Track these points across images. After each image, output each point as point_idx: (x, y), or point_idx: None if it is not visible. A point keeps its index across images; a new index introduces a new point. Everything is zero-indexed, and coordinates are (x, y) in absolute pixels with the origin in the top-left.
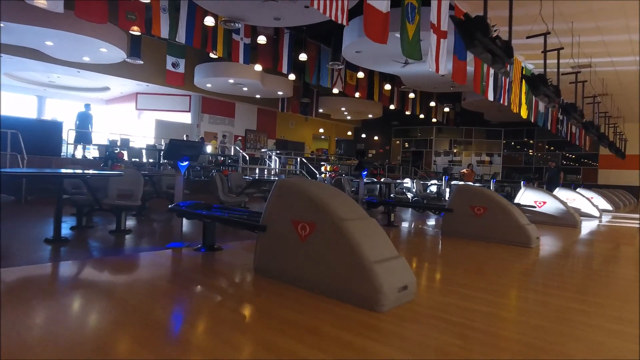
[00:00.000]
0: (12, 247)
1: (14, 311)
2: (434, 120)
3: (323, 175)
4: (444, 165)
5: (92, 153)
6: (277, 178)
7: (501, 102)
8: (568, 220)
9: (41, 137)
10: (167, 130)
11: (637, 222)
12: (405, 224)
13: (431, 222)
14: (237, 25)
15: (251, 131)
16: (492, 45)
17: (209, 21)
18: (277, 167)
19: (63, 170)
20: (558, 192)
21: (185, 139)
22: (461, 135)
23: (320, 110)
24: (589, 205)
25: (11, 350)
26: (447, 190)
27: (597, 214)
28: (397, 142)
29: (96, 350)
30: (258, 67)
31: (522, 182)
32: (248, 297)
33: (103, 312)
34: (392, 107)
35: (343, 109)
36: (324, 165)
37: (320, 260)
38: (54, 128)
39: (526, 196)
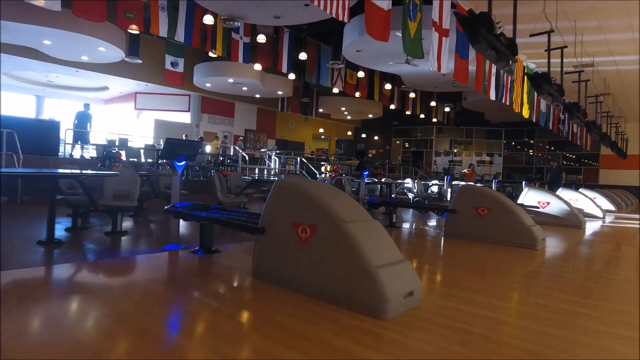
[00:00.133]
0: (3, 249)
1: None
2: (434, 120)
3: (323, 176)
4: (444, 165)
5: (91, 153)
6: (276, 178)
7: (503, 101)
8: (572, 221)
9: (39, 137)
10: (166, 130)
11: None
12: (407, 225)
13: (433, 223)
14: (236, 23)
15: (251, 131)
16: (497, 43)
17: (208, 20)
18: (277, 167)
19: (58, 170)
20: (561, 192)
21: (184, 138)
22: (461, 135)
23: (320, 110)
24: (592, 205)
25: None
26: (449, 190)
27: (600, 214)
28: (397, 142)
29: None
30: (258, 67)
31: (524, 182)
32: (246, 302)
33: (92, 320)
34: (392, 106)
35: (343, 108)
36: (324, 165)
37: (321, 264)
38: (52, 128)
39: (529, 196)
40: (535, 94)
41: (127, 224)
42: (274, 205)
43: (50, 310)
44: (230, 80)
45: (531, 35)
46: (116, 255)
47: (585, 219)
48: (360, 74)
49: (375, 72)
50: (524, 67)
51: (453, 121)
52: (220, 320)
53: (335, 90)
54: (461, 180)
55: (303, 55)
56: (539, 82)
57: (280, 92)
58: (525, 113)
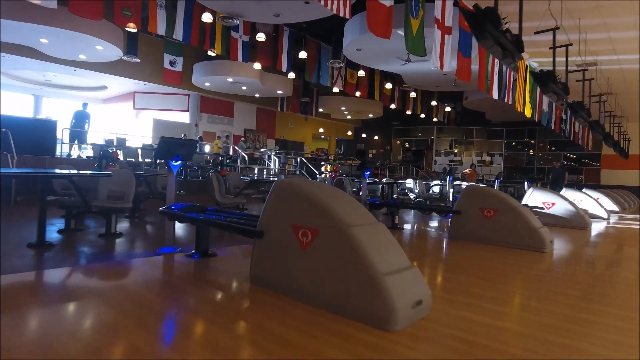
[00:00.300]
0: None
1: None
2: (434, 119)
3: (323, 176)
4: (444, 165)
5: (89, 153)
6: (276, 178)
7: (505, 100)
8: (578, 222)
9: (35, 137)
10: (165, 130)
11: None
12: (410, 227)
13: (437, 224)
14: (235, 21)
15: (250, 131)
16: (503, 39)
17: (207, 17)
18: (277, 167)
19: (48, 170)
20: (565, 192)
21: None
22: (462, 135)
23: (320, 110)
24: (596, 206)
25: None
26: (451, 191)
27: (605, 215)
28: (398, 142)
29: None
30: (257, 66)
31: (526, 182)
32: (242, 312)
33: (76, 335)
34: (392, 106)
35: (343, 108)
36: (324, 165)
37: (323, 271)
38: (48, 127)
39: (534, 197)
40: (538, 94)
41: (123, 225)
42: (273, 207)
43: (25, 319)
44: (230, 80)
45: (536, 33)
46: (108, 259)
47: (591, 220)
48: (361, 73)
49: (375, 71)
50: (527, 66)
51: (454, 121)
52: (214, 332)
53: (336, 89)
54: (462, 181)
55: (303, 54)
56: (544, 80)
57: (279, 92)
58: (528, 112)
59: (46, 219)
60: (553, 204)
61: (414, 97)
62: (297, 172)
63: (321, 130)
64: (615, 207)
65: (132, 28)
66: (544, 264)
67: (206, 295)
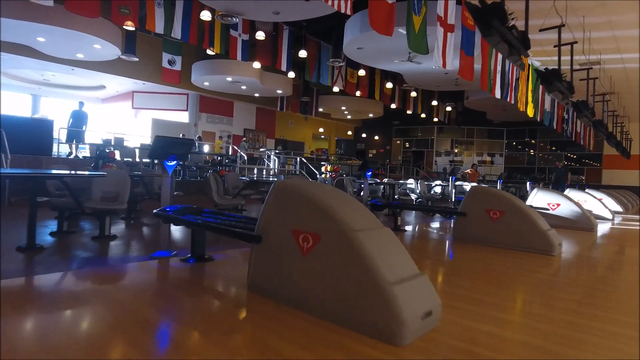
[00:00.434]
0: None
1: None
2: (435, 119)
3: (323, 176)
4: (444, 165)
5: (86, 152)
6: (275, 179)
7: (508, 99)
8: (584, 223)
9: (31, 136)
10: (164, 130)
11: None
12: (413, 228)
13: (440, 225)
14: (234, 20)
15: (250, 130)
16: (509, 35)
17: (206, 15)
18: (276, 167)
19: (40, 171)
20: (568, 193)
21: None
22: (462, 135)
23: (320, 110)
24: (600, 206)
25: None
26: (453, 191)
27: (609, 216)
28: (398, 142)
29: None
30: (257, 65)
31: (528, 182)
32: (238, 323)
33: (60, 349)
34: (393, 106)
35: (343, 108)
36: (324, 165)
37: (325, 279)
38: (45, 127)
39: (538, 198)
40: (540, 93)
41: (118, 227)
42: (272, 210)
43: (6, 334)
44: (229, 79)
45: (541, 30)
46: (100, 264)
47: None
48: (361, 72)
49: (376, 71)
50: (529, 65)
51: (454, 121)
52: (206, 346)
53: (336, 89)
54: (464, 181)
55: (303, 53)
56: (550, 78)
57: (279, 91)
58: (530, 112)
59: (37, 221)
60: (558, 204)
61: (414, 97)
62: (297, 172)
63: (321, 130)
64: (619, 208)
65: (129, 26)
66: (552, 268)
67: (200, 304)
